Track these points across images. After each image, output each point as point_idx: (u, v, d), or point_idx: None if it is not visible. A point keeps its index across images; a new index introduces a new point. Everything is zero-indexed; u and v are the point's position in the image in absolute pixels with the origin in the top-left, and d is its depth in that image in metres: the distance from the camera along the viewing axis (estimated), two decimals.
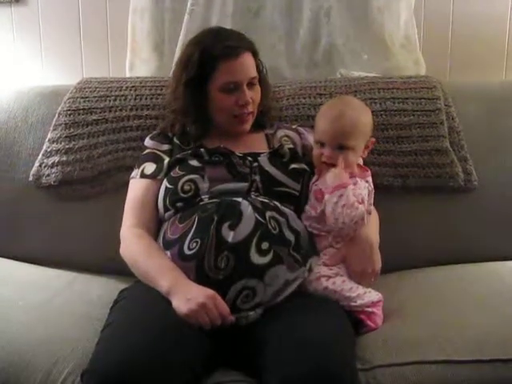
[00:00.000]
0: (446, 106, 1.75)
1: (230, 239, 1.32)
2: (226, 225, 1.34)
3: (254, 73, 1.55)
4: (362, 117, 1.49)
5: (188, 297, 1.26)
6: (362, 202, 1.41)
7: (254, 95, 1.55)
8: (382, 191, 1.64)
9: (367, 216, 1.43)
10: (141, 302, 1.33)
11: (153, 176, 1.53)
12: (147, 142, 1.62)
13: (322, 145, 1.48)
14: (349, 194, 1.39)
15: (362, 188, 1.44)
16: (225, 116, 1.55)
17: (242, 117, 1.55)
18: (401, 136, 1.71)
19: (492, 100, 1.81)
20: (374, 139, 1.53)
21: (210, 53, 1.49)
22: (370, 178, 1.49)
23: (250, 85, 1.54)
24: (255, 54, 1.58)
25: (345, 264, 1.43)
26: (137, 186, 1.54)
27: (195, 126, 1.56)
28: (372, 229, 1.49)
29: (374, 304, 1.38)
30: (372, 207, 1.51)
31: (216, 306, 1.25)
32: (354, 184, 1.43)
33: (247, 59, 1.53)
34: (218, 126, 1.59)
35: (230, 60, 1.49)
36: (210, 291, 1.27)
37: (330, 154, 1.45)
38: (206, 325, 1.24)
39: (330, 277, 1.40)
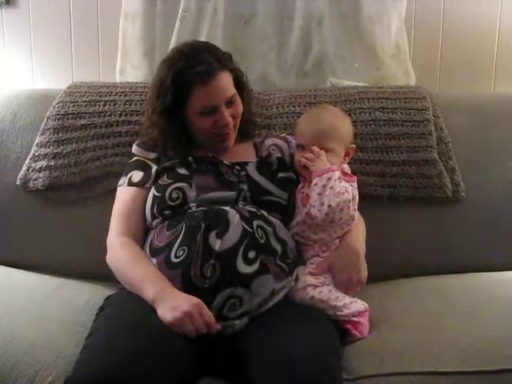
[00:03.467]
0: (434, 116, 1.75)
1: (216, 247, 1.32)
2: (213, 233, 1.34)
3: (231, 91, 1.52)
4: (340, 121, 1.52)
5: (173, 305, 1.25)
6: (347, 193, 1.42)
7: (234, 111, 1.54)
8: (369, 201, 1.65)
9: (352, 203, 1.42)
10: (126, 310, 1.32)
11: (140, 184, 1.52)
12: (134, 149, 1.62)
13: (302, 148, 1.50)
14: (336, 178, 1.40)
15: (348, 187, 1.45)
16: (206, 136, 1.54)
17: (223, 135, 1.54)
18: (389, 146, 1.71)
19: (480, 111, 1.82)
20: (354, 146, 1.54)
21: (183, 79, 1.46)
22: (355, 184, 1.50)
23: (229, 103, 1.52)
24: (232, 69, 1.54)
25: (331, 273, 1.43)
26: (124, 194, 1.53)
27: (176, 152, 1.54)
28: (358, 238, 1.49)
29: (360, 314, 1.38)
30: (359, 217, 1.52)
31: (201, 314, 1.24)
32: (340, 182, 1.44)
33: (222, 80, 1.49)
34: (203, 143, 1.57)
35: (203, 86, 1.46)
36: (195, 299, 1.27)
37: (309, 156, 1.46)
38: (190, 333, 1.23)
39: (316, 286, 1.40)
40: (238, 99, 1.55)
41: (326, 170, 1.41)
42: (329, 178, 1.40)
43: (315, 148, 1.45)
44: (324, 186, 1.40)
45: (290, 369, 1.13)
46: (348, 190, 1.42)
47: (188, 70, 1.46)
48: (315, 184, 1.41)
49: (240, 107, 1.56)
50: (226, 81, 1.51)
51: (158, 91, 1.51)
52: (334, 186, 1.39)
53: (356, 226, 1.50)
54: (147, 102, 1.60)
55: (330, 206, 1.39)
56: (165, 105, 1.49)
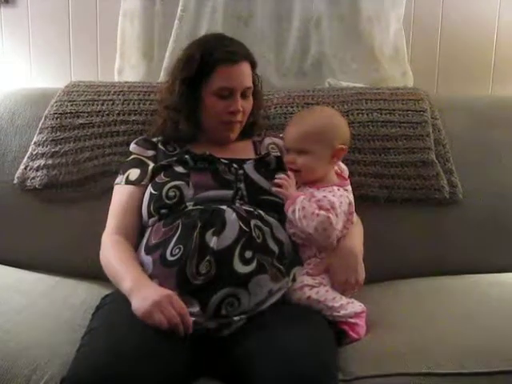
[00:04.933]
0: (432, 118, 1.76)
1: (213, 245, 1.32)
2: (209, 231, 1.34)
3: (249, 83, 1.56)
4: (323, 122, 1.49)
5: (144, 296, 1.25)
6: (330, 208, 1.39)
7: (245, 105, 1.56)
8: (367, 202, 1.66)
9: (337, 220, 1.39)
10: (122, 309, 1.30)
11: (137, 182, 1.53)
12: (132, 147, 1.62)
13: (287, 151, 1.52)
14: (303, 205, 1.38)
15: (338, 196, 1.43)
16: (213, 121, 1.55)
17: (229, 124, 1.56)
18: (387, 147, 1.71)
19: (478, 113, 1.83)
20: (343, 147, 1.47)
21: (211, 55, 1.51)
22: (349, 187, 1.50)
23: (244, 95, 1.55)
24: (253, 66, 1.59)
25: (328, 274, 1.43)
26: (121, 193, 1.53)
27: (187, 124, 1.56)
28: (356, 239, 1.49)
29: (357, 315, 1.38)
30: (356, 218, 1.52)
31: (172, 304, 1.24)
32: (330, 192, 1.43)
33: (245, 68, 1.54)
34: (206, 131, 1.59)
35: (228, 65, 1.50)
36: (166, 291, 1.27)
37: (289, 158, 1.48)
38: (161, 323, 1.21)
39: (313, 286, 1.39)
40: (251, 98, 1.58)
41: (289, 204, 1.40)
42: (293, 211, 1.39)
43: (283, 176, 1.45)
44: (294, 219, 1.39)
45: (288, 368, 1.13)
46: (324, 204, 1.40)
47: (218, 48, 1.52)
48: (288, 217, 1.42)
49: (250, 105, 1.59)
50: (247, 71, 1.55)
51: (183, 64, 1.55)
52: (301, 216, 1.38)
53: (354, 227, 1.50)
54: (169, 75, 1.62)
55: (310, 233, 1.39)
56: (187, 75, 1.52)
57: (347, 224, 1.46)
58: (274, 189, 1.45)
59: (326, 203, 1.40)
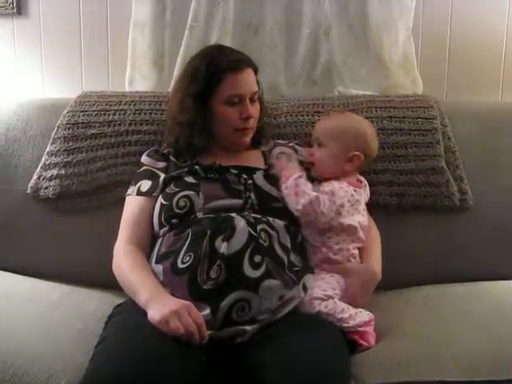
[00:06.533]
0: (442, 125, 1.75)
1: (223, 250, 1.33)
2: (219, 238, 1.35)
3: (255, 88, 1.58)
4: (350, 126, 1.56)
5: (161, 305, 1.27)
6: (329, 193, 1.45)
7: (254, 110, 1.58)
8: (377, 210, 1.66)
9: (328, 205, 1.44)
10: (135, 318, 1.32)
11: (149, 193, 1.54)
12: (144, 158, 1.64)
13: (312, 143, 1.60)
14: (297, 183, 1.46)
15: (344, 190, 1.48)
16: (227, 129, 1.57)
17: (243, 130, 1.58)
18: (397, 155, 1.72)
19: (488, 120, 1.82)
20: (357, 153, 1.52)
21: (217, 66, 1.53)
22: (361, 190, 1.52)
23: (251, 100, 1.57)
24: (255, 72, 1.61)
25: (341, 285, 1.45)
26: (133, 203, 1.55)
27: (201, 136, 1.57)
28: (379, 262, 1.51)
29: (365, 323, 1.39)
30: (377, 235, 1.56)
31: (190, 313, 1.25)
32: (338, 184, 1.49)
33: (250, 74, 1.57)
34: (219, 141, 1.61)
35: (235, 73, 1.53)
36: (185, 302, 1.28)
37: (309, 149, 1.58)
38: (177, 329, 1.22)
39: (322, 299, 1.40)
40: (258, 103, 1.61)
41: (283, 180, 1.48)
42: (285, 188, 1.46)
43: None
44: (285, 195, 1.47)
45: (300, 377, 1.13)
46: (324, 189, 1.47)
47: (222, 57, 1.54)
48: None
49: (258, 111, 1.61)
50: (252, 77, 1.58)
51: (190, 78, 1.56)
52: (292, 193, 1.45)
53: (376, 246, 1.54)
54: (177, 91, 1.62)
55: (298, 210, 1.44)
56: (197, 89, 1.54)
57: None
58: (276, 161, 1.55)
59: (328, 188, 1.46)
